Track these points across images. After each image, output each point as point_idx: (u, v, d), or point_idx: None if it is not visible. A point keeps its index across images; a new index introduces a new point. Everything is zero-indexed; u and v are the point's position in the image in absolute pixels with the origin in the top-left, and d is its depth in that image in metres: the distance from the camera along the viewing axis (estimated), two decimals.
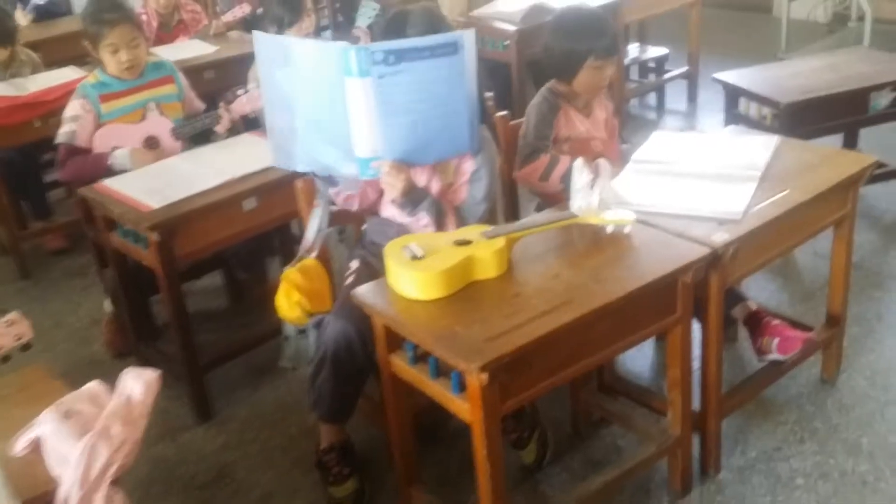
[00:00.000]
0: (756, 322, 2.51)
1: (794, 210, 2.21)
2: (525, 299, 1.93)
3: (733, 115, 3.54)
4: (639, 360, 2.85)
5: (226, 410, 2.85)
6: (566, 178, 2.47)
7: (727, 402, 2.37)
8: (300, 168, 2.26)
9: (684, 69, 5.01)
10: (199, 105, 3.24)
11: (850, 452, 2.40)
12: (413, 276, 1.97)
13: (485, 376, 1.74)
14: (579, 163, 2.27)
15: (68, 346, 3.34)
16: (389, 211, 2.42)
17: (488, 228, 2.11)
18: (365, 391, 2.63)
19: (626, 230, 2.12)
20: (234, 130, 3.15)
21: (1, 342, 1.88)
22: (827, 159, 2.46)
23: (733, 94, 3.54)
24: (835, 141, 3.70)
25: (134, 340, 3.02)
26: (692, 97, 5.05)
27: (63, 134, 2.96)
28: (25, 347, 1.92)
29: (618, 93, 4.68)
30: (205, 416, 2.81)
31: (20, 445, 1.58)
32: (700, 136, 2.65)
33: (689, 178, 2.37)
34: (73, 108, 2.97)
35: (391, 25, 2.35)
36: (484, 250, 2.02)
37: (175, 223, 2.57)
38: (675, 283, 2.05)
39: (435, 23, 2.34)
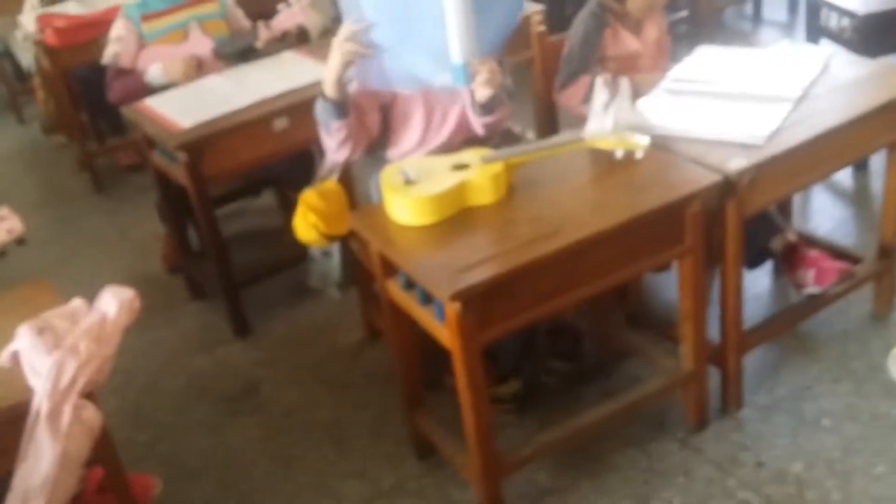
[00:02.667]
0: (793, 253, 2.35)
1: (828, 134, 2.03)
2: (515, 227, 1.87)
3: (815, 27, 3.25)
4: (667, 292, 2.72)
5: (263, 326, 2.93)
6: None
7: (751, 336, 2.24)
8: (383, 86, 2.18)
9: None
10: (245, 23, 3.23)
11: (888, 394, 2.24)
12: (403, 200, 1.93)
13: (458, 305, 1.70)
14: (600, 81, 2.15)
15: (130, 259, 3.49)
16: (401, 148, 2.34)
17: (489, 152, 2.04)
18: None
19: (638, 155, 1.99)
20: (277, 48, 3.13)
21: None
22: (881, 76, 2.23)
23: (815, 4, 3.25)
24: None
25: (182, 256, 3.11)
26: (793, 6, 4.67)
27: (108, 55, 3.03)
28: (20, 241, 1.98)
29: (707, 2, 4.39)
30: (242, 332, 2.89)
31: (2, 357, 1.66)
32: (748, 51, 2.45)
33: (722, 98, 2.20)
34: (116, 28, 3.02)
35: None
36: (480, 175, 1.95)
37: (202, 143, 2.60)
38: (682, 211, 1.93)
39: None
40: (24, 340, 1.62)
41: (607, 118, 2.06)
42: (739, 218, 2.01)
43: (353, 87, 2.17)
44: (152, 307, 3.01)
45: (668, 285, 2.66)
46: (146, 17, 3.00)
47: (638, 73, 2.47)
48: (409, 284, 1.96)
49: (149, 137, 2.81)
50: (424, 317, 1.93)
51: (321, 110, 2.14)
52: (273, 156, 2.80)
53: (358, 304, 2.76)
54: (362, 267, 2.54)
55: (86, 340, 1.60)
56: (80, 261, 3.53)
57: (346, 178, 2.49)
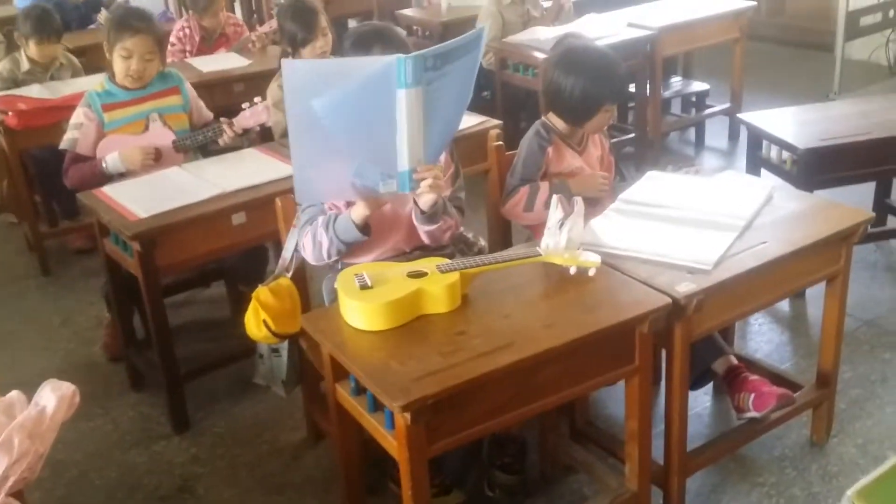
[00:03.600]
0: (735, 377, 2.40)
1: (772, 263, 2.11)
2: (468, 338, 1.88)
3: (756, 158, 3.40)
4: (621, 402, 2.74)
5: (203, 422, 2.87)
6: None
7: (694, 459, 2.27)
8: (330, 200, 2.24)
9: (726, 105, 4.87)
10: (208, 115, 3.28)
11: None
12: (359, 305, 1.93)
13: (408, 416, 1.70)
14: (555, 200, 2.22)
15: (70, 345, 3.41)
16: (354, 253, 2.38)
17: (446, 262, 2.07)
18: None
19: (591, 272, 2.04)
20: (238, 144, 3.18)
21: None
22: (821, 211, 2.33)
23: (756, 136, 3.41)
24: (866, 190, 3.54)
25: (123, 345, 3.06)
26: (733, 135, 4.90)
27: (66, 141, 3.04)
28: None
29: (653, 127, 4.58)
30: (181, 427, 2.82)
31: None
32: (694, 179, 2.55)
33: (670, 222, 2.28)
34: (77, 115, 3.05)
35: (359, 43, 2.32)
36: (435, 284, 1.97)
37: (157, 233, 2.59)
38: (633, 331, 1.97)
39: (402, 41, 2.32)
40: None
41: (562, 235, 2.12)
42: (686, 340, 2.06)
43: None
44: (90, 395, 2.95)
45: (614, 398, 2.70)
46: (108, 107, 3.03)
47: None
48: (359, 390, 1.96)
49: (102, 224, 2.80)
50: (372, 424, 1.91)
51: (344, 231, 2.18)
52: (228, 249, 2.81)
53: (302, 404, 2.73)
54: (310, 366, 2.53)
55: (20, 436, 1.55)
56: (18, 343, 3.44)
57: (300, 276, 2.49)
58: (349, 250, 2.26)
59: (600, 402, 2.71)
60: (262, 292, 2.37)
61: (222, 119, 3.09)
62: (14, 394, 1.69)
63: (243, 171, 2.91)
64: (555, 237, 2.13)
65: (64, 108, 3.71)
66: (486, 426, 1.86)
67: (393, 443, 1.82)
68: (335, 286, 2.03)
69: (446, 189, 2.24)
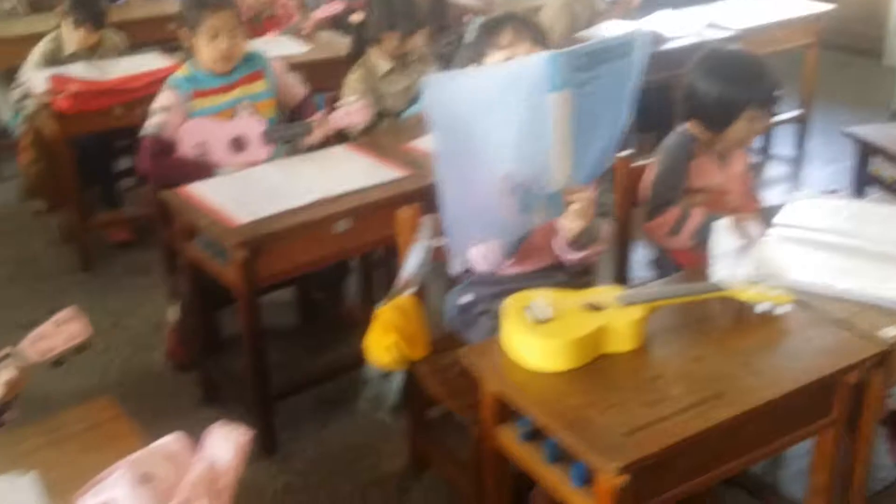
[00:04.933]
0: (893, 423, 2.22)
1: None
2: (666, 385, 1.67)
3: (864, 175, 3.23)
4: None
5: (290, 445, 2.63)
6: (699, 233, 2.22)
7: None
8: (480, 242, 2.03)
9: (796, 113, 4.68)
10: (299, 92, 3.04)
11: None
12: (538, 342, 1.72)
13: (623, 478, 1.49)
14: (724, 224, 2.01)
15: (126, 351, 3.14)
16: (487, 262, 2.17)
17: (622, 292, 1.86)
18: (445, 444, 2.42)
19: (779, 311, 1.84)
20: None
21: (51, 343, 1.68)
22: None
23: (864, 151, 3.24)
24: None
25: (200, 355, 2.81)
26: (801, 144, 4.72)
27: (152, 125, 2.76)
28: (80, 349, 1.73)
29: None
30: (269, 450, 2.58)
31: None
32: (846, 203, 2.36)
33: (846, 253, 2.08)
34: (163, 99, 2.77)
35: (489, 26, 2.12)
36: (619, 320, 1.76)
37: (262, 242, 2.36)
38: (836, 382, 1.77)
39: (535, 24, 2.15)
40: (121, 491, 1.32)
41: (740, 266, 1.92)
42: (884, 390, 1.87)
43: None
44: (157, 410, 2.71)
45: None
46: (199, 94, 2.76)
47: (727, 211, 2.35)
48: (532, 436, 1.74)
49: (188, 226, 2.54)
50: (550, 476, 1.70)
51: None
52: (329, 259, 2.58)
53: (398, 428, 2.51)
54: (418, 392, 2.32)
55: (201, 496, 1.32)
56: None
57: (419, 295, 2.27)
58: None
59: None
60: (387, 313, 2.16)
61: (315, 116, 2.84)
62: (173, 439, 1.45)
63: (341, 172, 2.67)
64: (731, 267, 1.93)
65: (118, 91, 3.46)
66: (688, 486, 1.65)
67: (585, 502, 1.61)
68: (503, 317, 1.81)
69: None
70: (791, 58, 4.71)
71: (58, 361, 1.70)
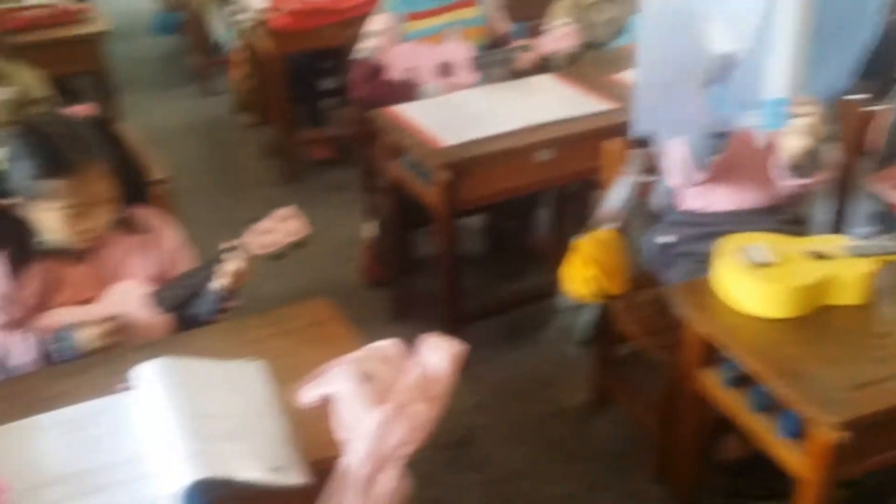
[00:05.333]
0: None
1: None
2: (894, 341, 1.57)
3: None
4: None
5: (480, 367, 2.66)
6: None
7: None
8: (671, 134, 1.94)
9: None
10: (505, 27, 3.01)
11: None
12: (757, 286, 1.65)
13: (843, 434, 1.41)
14: None
15: (322, 263, 3.28)
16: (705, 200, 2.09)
17: (850, 242, 1.74)
18: (630, 382, 2.39)
19: None
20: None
21: (273, 238, 1.76)
22: None
23: None
24: None
25: (394, 273, 2.90)
26: None
27: (365, 49, 2.82)
28: (299, 245, 1.79)
29: None
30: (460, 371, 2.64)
31: (310, 396, 1.44)
32: None
33: None
34: (377, 22, 2.81)
35: None
36: (847, 271, 1.66)
37: (465, 165, 2.38)
38: None
39: None
40: (344, 386, 1.39)
41: None
42: None
43: None
44: (348, 320, 2.81)
45: None
46: (414, 16, 2.79)
47: None
48: (738, 382, 1.69)
49: (393, 146, 2.60)
50: (754, 425, 1.65)
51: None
52: (527, 188, 2.58)
53: (586, 364, 2.49)
54: (608, 328, 2.29)
55: (418, 400, 1.37)
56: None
57: (621, 230, 2.23)
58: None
59: None
60: (587, 245, 2.14)
61: (521, 42, 2.82)
62: (390, 344, 1.51)
63: (545, 101, 2.64)
64: None
65: (333, 11, 3.54)
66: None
67: (794, 456, 1.55)
68: (717, 257, 1.74)
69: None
70: None
71: (278, 255, 1.78)
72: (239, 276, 1.74)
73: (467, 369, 2.59)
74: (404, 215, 2.81)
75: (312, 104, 4.11)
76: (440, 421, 2.47)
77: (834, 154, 1.93)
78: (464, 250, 3.23)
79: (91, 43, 3.36)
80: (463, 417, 2.48)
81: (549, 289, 2.84)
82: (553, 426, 2.45)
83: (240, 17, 3.96)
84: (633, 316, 2.18)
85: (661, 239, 2.21)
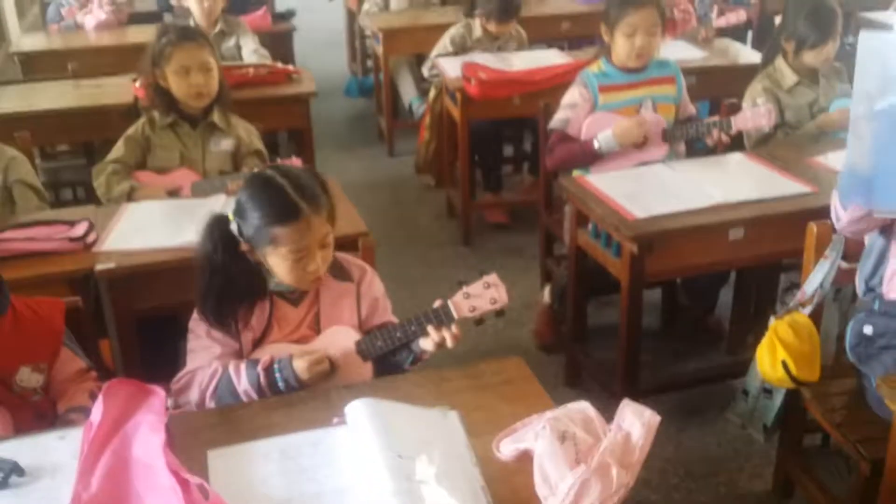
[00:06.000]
0: None
1: None
2: None
3: None
4: None
5: None
6: None
7: None
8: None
9: None
10: (692, 110, 3.04)
11: None
12: None
13: None
14: None
15: (496, 323, 3.34)
16: None
17: None
18: (817, 474, 2.29)
19: None
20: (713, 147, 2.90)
21: (477, 303, 1.82)
22: None
23: None
24: None
25: (569, 338, 2.93)
26: None
27: (558, 120, 2.91)
28: (499, 313, 1.85)
29: None
30: None
31: (507, 450, 1.48)
32: None
33: None
34: (572, 95, 2.91)
35: None
36: None
37: (655, 238, 2.39)
38: None
39: None
40: (544, 443, 1.42)
41: None
42: None
43: None
44: None
45: None
46: (604, 88, 2.86)
47: None
48: None
49: (582, 213, 2.65)
50: None
51: None
52: (719, 266, 2.56)
53: (763, 450, 2.42)
54: (799, 416, 2.22)
55: (616, 464, 1.38)
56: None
57: (817, 315, 2.17)
58: None
59: None
60: (780, 327, 2.09)
61: (715, 118, 2.83)
62: (584, 406, 1.54)
63: (738, 179, 2.63)
64: None
65: (521, 83, 3.68)
66: None
67: None
68: None
69: None
70: None
71: (479, 320, 1.85)
72: (443, 346, 1.81)
73: None
74: (584, 284, 2.84)
75: (492, 170, 4.24)
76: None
77: None
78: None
79: (300, 102, 3.62)
80: (632, 493, 2.45)
81: (728, 370, 2.79)
82: None
83: (430, 74, 4.18)
84: (825, 406, 2.10)
85: (865, 329, 2.13)
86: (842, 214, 1.96)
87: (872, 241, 2.07)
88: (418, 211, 4.41)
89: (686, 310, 3.18)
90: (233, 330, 1.85)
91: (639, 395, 2.61)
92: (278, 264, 1.79)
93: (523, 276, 3.62)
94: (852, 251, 2.13)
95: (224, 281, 1.82)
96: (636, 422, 1.47)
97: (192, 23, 3.90)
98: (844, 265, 2.16)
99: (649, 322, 3.26)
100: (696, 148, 2.95)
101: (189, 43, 2.70)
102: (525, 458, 1.46)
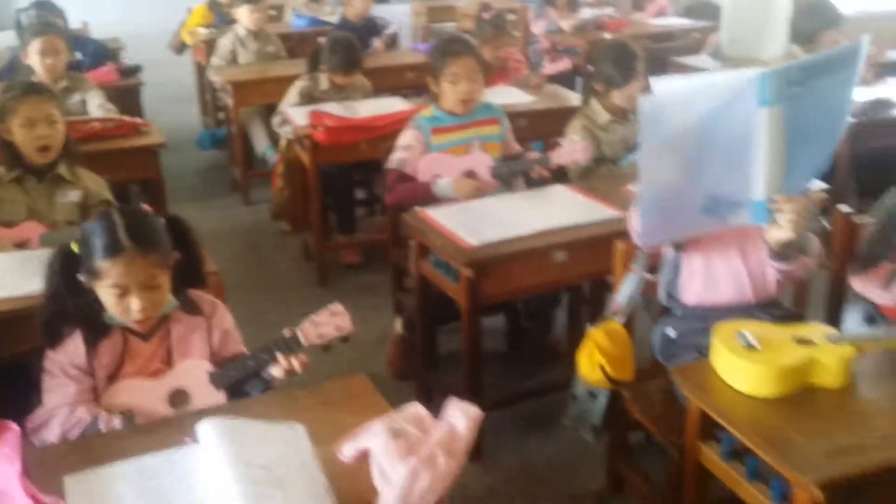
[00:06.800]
0: None
1: None
2: (870, 419, 1.76)
3: None
4: None
5: (495, 454, 2.85)
6: None
7: None
8: (671, 240, 2.23)
9: None
10: (517, 148, 3.33)
11: None
12: (748, 367, 1.84)
13: (819, 494, 1.58)
14: None
15: (353, 356, 3.49)
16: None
17: (832, 331, 1.95)
18: (642, 467, 2.54)
19: None
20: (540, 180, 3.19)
21: (324, 331, 1.98)
22: None
23: None
24: None
25: (419, 365, 3.11)
26: None
27: (395, 161, 3.14)
28: (344, 340, 2.01)
29: None
30: (476, 456, 2.82)
31: (349, 452, 1.63)
32: None
33: None
34: (406, 137, 3.14)
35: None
36: (829, 355, 1.86)
37: (489, 263, 2.62)
38: None
39: None
40: (379, 441, 1.59)
41: None
42: None
43: None
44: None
45: None
46: (436, 131, 3.11)
47: None
48: (734, 455, 1.86)
49: (424, 245, 2.86)
50: (750, 493, 1.81)
51: None
52: (545, 286, 2.81)
53: (599, 449, 2.66)
54: (624, 414, 2.47)
55: (443, 453, 1.56)
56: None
57: (629, 323, 2.44)
58: None
59: None
60: (597, 335, 2.34)
61: (535, 154, 3.12)
62: (417, 407, 1.71)
63: (560, 208, 2.90)
64: None
65: (366, 128, 3.88)
66: None
67: None
68: (714, 341, 1.95)
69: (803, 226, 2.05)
70: None
71: (326, 347, 2.01)
72: (303, 367, 1.96)
73: (482, 455, 2.80)
74: (430, 312, 3.04)
75: (345, 212, 4.41)
76: (454, 500, 2.66)
77: (815, 244, 2.17)
78: (486, 348, 3.45)
79: (149, 153, 3.70)
80: (476, 498, 2.64)
81: (565, 382, 3.03)
82: None
83: (282, 129, 4.34)
84: (642, 403, 2.36)
85: (667, 332, 2.42)
86: (640, 230, 2.24)
87: (667, 254, 2.37)
88: (275, 256, 4.52)
89: (528, 332, 3.43)
90: (85, 366, 1.93)
91: (484, 411, 2.83)
92: (104, 297, 1.89)
93: (377, 312, 3.78)
94: (655, 264, 2.42)
95: (58, 306, 1.91)
96: (461, 416, 1.65)
97: (35, 80, 3.91)
98: (650, 277, 2.45)
99: (495, 346, 3.51)
100: (533, 183, 3.23)
101: (34, 96, 2.77)
102: (365, 458, 1.62)
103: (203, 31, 5.91)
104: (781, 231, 2.00)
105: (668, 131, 1.92)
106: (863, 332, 2.00)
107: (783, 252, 2.09)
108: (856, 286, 2.46)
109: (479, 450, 2.83)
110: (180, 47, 6.61)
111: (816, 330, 1.95)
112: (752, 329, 1.94)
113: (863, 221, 2.49)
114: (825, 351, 1.86)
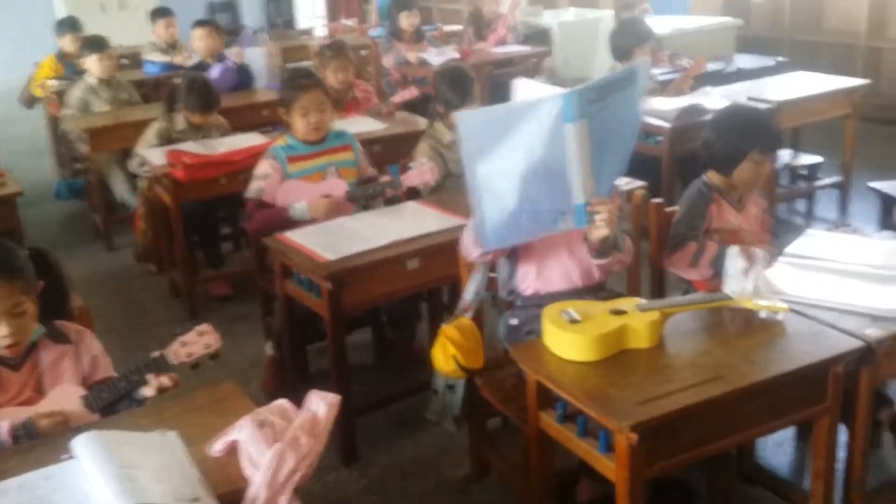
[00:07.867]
0: None
1: None
2: (676, 371, 2.04)
3: (888, 224, 3.54)
4: (778, 454, 2.85)
5: (369, 456, 3.02)
6: (715, 263, 2.57)
7: (872, 501, 2.36)
8: (511, 244, 2.46)
9: (836, 179, 5.02)
10: (372, 171, 3.55)
11: None
12: (570, 337, 2.11)
13: (634, 436, 1.85)
14: (734, 250, 2.39)
15: (228, 379, 3.59)
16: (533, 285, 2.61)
17: (642, 301, 2.24)
18: (501, 450, 2.77)
19: (779, 317, 2.19)
20: (396, 199, 3.42)
21: (192, 349, 2.12)
22: None
23: (888, 203, 3.56)
24: None
25: (292, 382, 3.25)
26: (843, 208, 5.02)
27: (253, 190, 3.30)
28: (213, 356, 2.15)
29: (768, 196, 4.73)
30: (350, 459, 2.99)
31: (218, 447, 1.79)
32: (852, 237, 2.70)
33: (841, 275, 2.42)
34: (263, 167, 3.31)
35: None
36: (638, 321, 2.14)
37: (346, 275, 2.81)
38: (826, 372, 2.10)
39: None
40: (245, 432, 1.75)
41: (748, 282, 2.29)
42: (873, 384, 2.18)
43: None
44: None
45: (774, 449, 2.80)
46: (291, 159, 3.30)
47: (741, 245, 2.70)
48: (565, 417, 2.12)
49: (285, 266, 3.03)
50: (582, 448, 2.07)
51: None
52: (402, 292, 3.01)
53: (465, 441, 2.88)
54: (480, 403, 2.69)
55: (304, 435, 1.73)
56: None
57: (478, 317, 2.68)
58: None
59: (758, 451, 2.82)
60: (448, 329, 2.56)
61: (388, 177, 3.34)
62: (282, 401, 1.88)
63: (411, 221, 3.13)
64: (741, 283, 2.30)
65: (224, 163, 4.02)
66: (694, 452, 2.00)
67: (609, 465, 1.97)
68: (543, 320, 2.20)
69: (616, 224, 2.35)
70: (833, 128, 5.09)
71: (195, 365, 2.14)
72: (174, 384, 2.08)
73: (358, 459, 2.97)
74: (299, 330, 3.20)
75: (210, 247, 4.51)
76: (333, 502, 2.81)
77: (627, 242, 2.49)
78: (355, 360, 3.63)
79: (6, 204, 3.71)
80: (355, 498, 2.81)
81: (429, 383, 3.24)
82: (438, 497, 2.79)
83: (141, 170, 4.41)
84: (494, 388, 2.59)
85: (510, 321, 2.67)
86: (473, 253, 2.47)
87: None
88: (143, 296, 4.56)
89: (392, 342, 3.63)
90: None
91: (355, 415, 3.02)
92: None
93: (249, 339, 3.90)
94: (496, 262, 2.67)
95: None
96: (321, 402, 1.84)
97: None
98: (493, 275, 2.70)
99: (363, 358, 3.69)
100: (389, 202, 3.45)
101: None
102: (234, 451, 1.77)
103: (53, 84, 5.87)
104: (600, 230, 2.28)
105: (487, 144, 2.17)
106: (666, 300, 2.29)
107: (601, 249, 2.39)
108: (668, 266, 2.79)
109: (355, 454, 3.01)
110: (31, 101, 6.53)
111: (629, 301, 2.24)
112: (575, 307, 2.21)
113: (672, 210, 2.83)
114: (636, 318, 2.15)
